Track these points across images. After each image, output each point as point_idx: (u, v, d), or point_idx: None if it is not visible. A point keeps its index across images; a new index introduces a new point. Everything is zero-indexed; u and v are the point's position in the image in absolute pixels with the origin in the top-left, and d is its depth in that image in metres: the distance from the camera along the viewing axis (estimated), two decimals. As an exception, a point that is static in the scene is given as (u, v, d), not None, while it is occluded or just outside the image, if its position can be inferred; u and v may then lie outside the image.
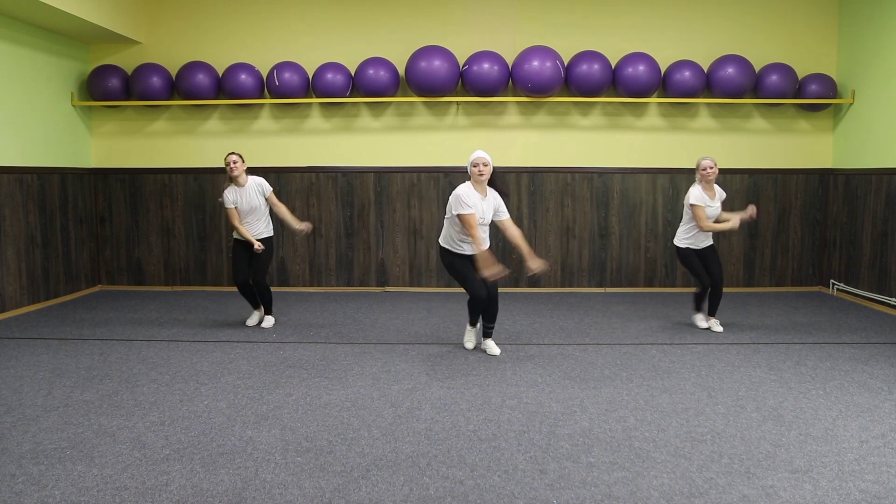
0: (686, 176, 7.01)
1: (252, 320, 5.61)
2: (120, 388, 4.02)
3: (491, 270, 4.33)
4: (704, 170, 5.17)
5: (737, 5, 6.95)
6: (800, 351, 4.83)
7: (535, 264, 4.49)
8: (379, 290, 7.18)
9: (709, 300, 5.44)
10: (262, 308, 5.61)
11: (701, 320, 5.53)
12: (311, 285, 7.22)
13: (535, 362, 4.54)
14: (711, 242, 5.36)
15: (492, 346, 4.78)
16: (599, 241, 7.12)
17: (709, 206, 5.19)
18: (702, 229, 5.20)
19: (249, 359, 4.62)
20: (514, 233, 4.65)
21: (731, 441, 3.25)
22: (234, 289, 6.98)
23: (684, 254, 5.33)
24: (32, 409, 3.68)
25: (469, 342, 4.90)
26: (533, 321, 5.76)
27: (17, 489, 2.78)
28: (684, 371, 4.35)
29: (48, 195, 6.49)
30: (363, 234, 7.14)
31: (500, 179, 4.68)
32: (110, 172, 7.22)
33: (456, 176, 7.01)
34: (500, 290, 7.07)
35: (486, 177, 4.44)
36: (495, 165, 4.27)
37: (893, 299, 6.05)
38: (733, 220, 5.19)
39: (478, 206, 4.42)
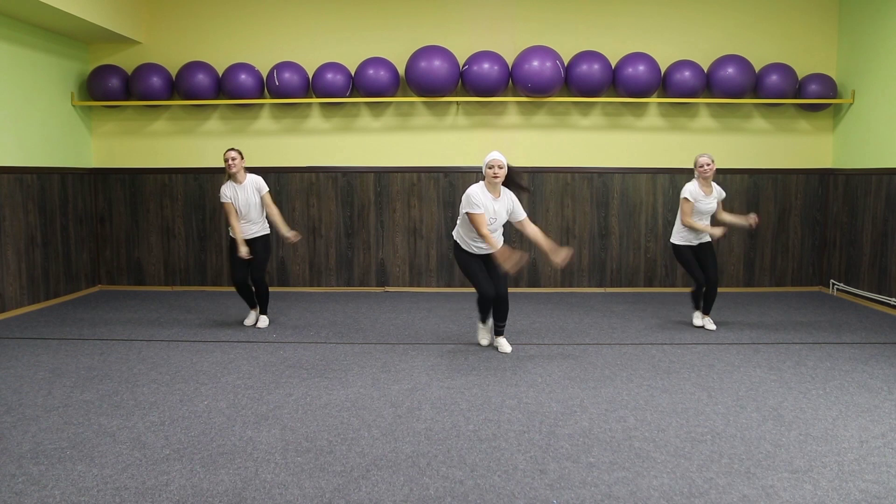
0: (686, 176, 7.01)
1: (249, 320, 5.62)
2: (120, 388, 4.02)
3: (510, 262, 4.41)
4: (702, 167, 5.22)
5: (737, 5, 6.95)
6: (800, 351, 4.83)
7: (559, 258, 4.55)
8: (379, 290, 7.18)
9: (703, 299, 5.47)
10: (258, 307, 5.61)
11: (698, 318, 5.56)
12: (311, 285, 7.22)
13: (535, 362, 4.54)
14: (709, 239, 5.38)
15: (503, 344, 4.84)
16: (599, 241, 7.12)
17: (700, 201, 5.23)
18: (684, 224, 5.28)
19: (249, 359, 4.62)
20: (533, 231, 4.67)
21: (731, 441, 3.25)
22: (234, 289, 6.99)
23: (680, 251, 5.36)
24: (32, 409, 3.68)
25: (483, 339, 4.98)
26: (533, 321, 5.76)
27: (17, 489, 2.78)
28: (684, 371, 4.35)
29: (48, 195, 6.49)
30: (363, 234, 7.14)
31: (516, 175, 4.65)
32: (110, 172, 7.22)
33: (456, 176, 7.02)
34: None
35: (501, 179, 4.47)
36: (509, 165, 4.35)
37: (893, 299, 6.05)
38: (717, 230, 5.24)
39: (489, 206, 4.48)
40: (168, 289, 7.27)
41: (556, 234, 7.08)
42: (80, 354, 4.74)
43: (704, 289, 5.43)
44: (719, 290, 7.11)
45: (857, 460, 3.04)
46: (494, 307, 4.75)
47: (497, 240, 4.55)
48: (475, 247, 4.63)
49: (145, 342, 5.07)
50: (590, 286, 7.18)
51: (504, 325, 4.87)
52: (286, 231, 5.40)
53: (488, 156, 4.50)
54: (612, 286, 7.16)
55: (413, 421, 3.50)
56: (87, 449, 3.16)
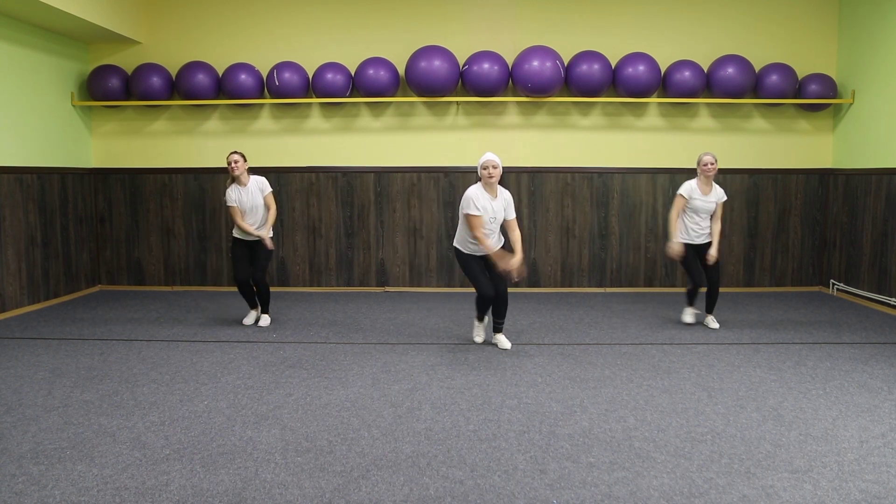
0: (686, 176, 7.00)
1: (249, 319, 5.63)
2: (120, 388, 4.02)
3: (506, 262, 4.52)
4: (705, 165, 5.26)
5: (737, 5, 6.95)
6: (800, 351, 4.83)
7: (505, 263, 4.54)
8: (379, 290, 7.18)
9: (706, 298, 5.53)
10: (259, 307, 5.64)
11: (688, 315, 5.64)
12: (311, 285, 7.22)
13: (535, 362, 4.54)
14: (710, 240, 5.38)
15: (502, 341, 4.93)
16: (599, 241, 7.12)
17: (697, 199, 5.29)
18: (670, 219, 5.40)
19: (249, 359, 4.62)
20: (514, 236, 4.77)
21: (731, 441, 3.25)
22: (234, 289, 6.99)
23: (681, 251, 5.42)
24: (32, 409, 3.68)
25: (478, 336, 5.06)
26: (533, 321, 5.76)
27: (17, 489, 2.78)
28: (684, 371, 4.35)
29: (48, 195, 6.48)
30: (363, 234, 7.14)
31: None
32: (110, 172, 7.22)
33: (456, 176, 7.01)
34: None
35: (496, 179, 4.57)
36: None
37: (893, 299, 6.05)
38: (676, 247, 5.34)
39: (487, 207, 4.57)
40: (168, 289, 7.27)
41: (556, 234, 7.09)
42: (80, 354, 4.74)
43: (703, 289, 5.47)
44: (719, 289, 7.12)
45: (857, 460, 3.04)
46: (493, 305, 4.81)
47: (493, 242, 4.63)
48: (474, 248, 4.69)
49: (145, 342, 5.07)
50: (590, 286, 7.18)
51: (503, 323, 4.95)
52: (266, 233, 5.39)
53: (482, 157, 4.59)
54: (612, 286, 7.16)
55: (413, 421, 3.50)
56: (87, 449, 3.16)
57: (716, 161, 5.28)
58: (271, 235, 5.48)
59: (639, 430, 3.38)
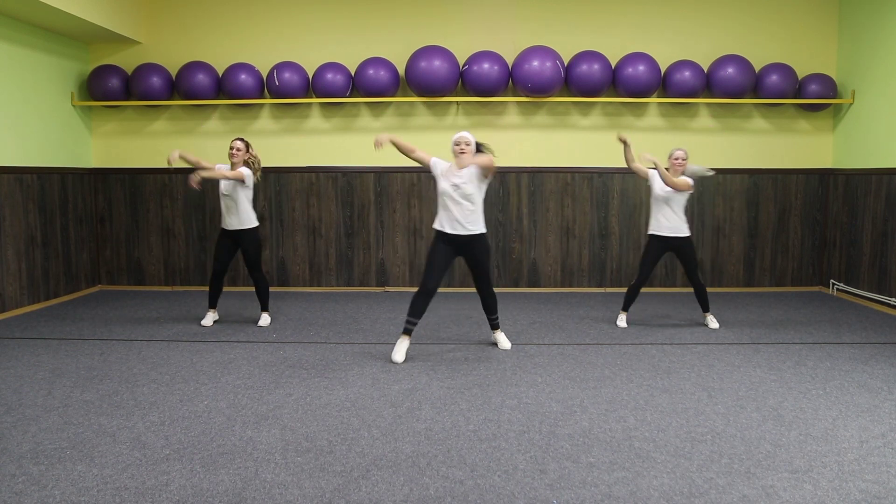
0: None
1: (206, 321, 5.56)
2: (120, 388, 4.02)
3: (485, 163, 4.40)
4: (676, 159, 5.29)
5: (737, 5, 6.95)
6: (800, 351, 4.83)
7: (474, 161, 4.46)
8: (379, 290, 7.18)
9: (697, 299, 5.53)
10: (219, 306, 5.60)
11: (621, 320, 5.57)
12: (311, 285, 7.22)
13: (535, 362, 4.54)
14: (684, 234, 5.31)
15: (502, 341, 4.90)
16: (599, 241, 7.12)
17: (659, 188, 5.35)
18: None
19: (249, 359, 4.62)
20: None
21: (731, 441, 3.25)
22: (234, 289, 7.00)
23: (648, 241, 5.43)
24: (32, 409, 3.68)
25: (398, 354, 4.54)
26: (533, 321, 5.76)
27: (17, 489, 2.78)
28: (684, 371, 4.35)
29: (48, 195, 6.48)
30: (363, 234, 7.14)
31: (484, 147, 4.69)
32: (110, 172, 7.22)
33: (456, 176, 7.01)
34: (501, 289, 7.11)
35: (468, 154, 4.55)
36: (496, 166, 4.44)
37: (893, 299, 6.05)
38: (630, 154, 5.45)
39: (448, 174, 4.57)
40: (168, 289, 7.27)
41: (555, 234, 7.09)
42: (80, 354, 4.74)
43: (694, 291, 5.48)
44: (719, 289, 7.13)
45: (857, 460, 3.04)
46: (482, 302, 4.78)
47: (456, 212, 4.52)
48: (446, 223, 4.55)
49: (145, 342, 5.07)
50: (590, 286, 7.18)
51: (497, 318, 4.89)
52: (196, 176, 4.97)
53: (456, 134, 4.60)
54: (612, 286, 7.16)
55: (413, 421, 3.50)
56: (87, 449, 3.16)
57: (686, 157, 5.29)
58: (196, 181, 5.00)
59: (639, 430, 3.38)
